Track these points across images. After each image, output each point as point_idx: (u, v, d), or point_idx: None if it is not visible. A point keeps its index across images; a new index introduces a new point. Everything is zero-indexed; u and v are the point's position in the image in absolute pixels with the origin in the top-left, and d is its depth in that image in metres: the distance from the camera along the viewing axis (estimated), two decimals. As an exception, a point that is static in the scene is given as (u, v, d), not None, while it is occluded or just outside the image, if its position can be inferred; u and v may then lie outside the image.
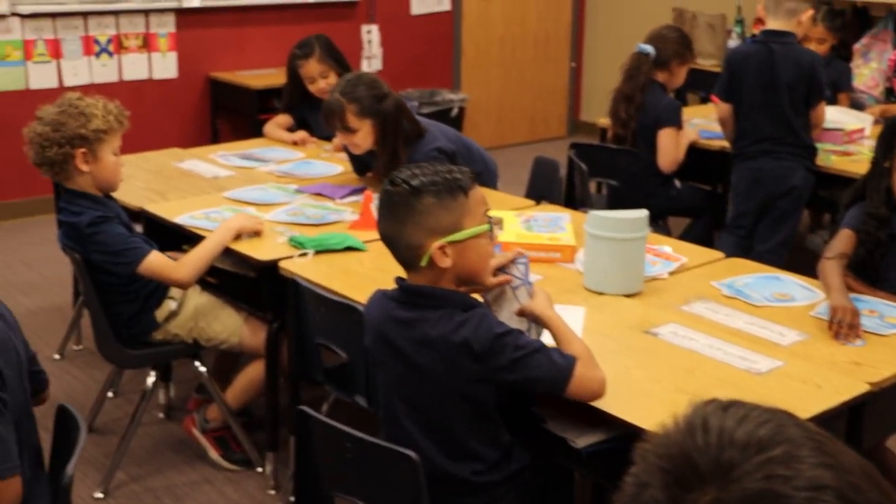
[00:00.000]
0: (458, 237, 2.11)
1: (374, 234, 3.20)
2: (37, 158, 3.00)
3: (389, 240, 2.18)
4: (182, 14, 6.31)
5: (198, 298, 3.25)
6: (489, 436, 2.20)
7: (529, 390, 2.21)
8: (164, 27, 6.27)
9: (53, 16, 5.85)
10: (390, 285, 2.73)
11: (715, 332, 2.53)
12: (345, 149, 3.84)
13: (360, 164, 3.85)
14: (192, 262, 3.07)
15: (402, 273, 2.23)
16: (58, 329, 4.31)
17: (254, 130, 5.92)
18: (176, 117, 6.42)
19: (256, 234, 3.19)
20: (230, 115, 6.58)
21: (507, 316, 2.27)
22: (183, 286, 3.13)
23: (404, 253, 2.16)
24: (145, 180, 3.86)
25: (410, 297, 2.17)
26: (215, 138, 6.48)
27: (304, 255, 3.02)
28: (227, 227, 3.15)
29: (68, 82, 5.94)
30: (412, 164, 2.19)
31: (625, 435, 2.13)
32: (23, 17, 5.74)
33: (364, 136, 3.53)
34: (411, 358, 2.14)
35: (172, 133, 6.25)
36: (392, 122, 3.51)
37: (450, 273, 2.14)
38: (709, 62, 6.73)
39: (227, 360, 3.54)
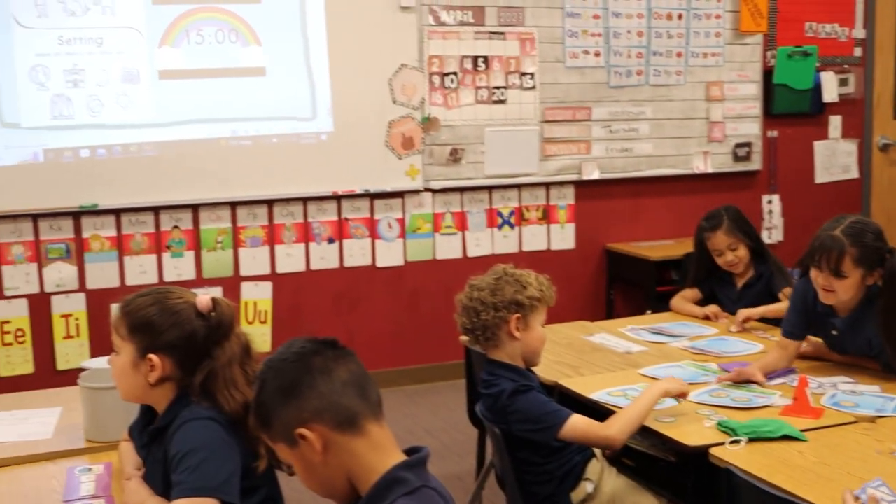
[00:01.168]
0: None
1: (811, 423, 2.94)
2: (469, 323, 3.01)
3: None
4: (581, 186, 6.39)
5: (615, 482, 3.08)
6: None
7: None
8: (564, 199, 6.37)
9: (461, 190, 6.11)
10: (837, 481, 2.49)
11: None
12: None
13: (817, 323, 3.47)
14: (621, 419, 2.94)
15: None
16: (458, 500, 4.28)
17: (650, 302, 5.81)
18: (572, 288, 6.42)
19: (682, 395, 3.04)
20: (626, 286, 6.50)
21: None
22: (613, 445, 2.97)
23: None
24: (556, 353, 3.79)
25: None
26: (609, 310, 6.43)
27: (735, 442, 2.77)
28: (657, 387, 3.02)
29: (471, 253, 6.15)
30: None
31: None
32: (434, 192, 6.05)
33: (848, 287, 3.24)
34: None
35: (569, 304, 6.24)
36: None
37: None
38: None
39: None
